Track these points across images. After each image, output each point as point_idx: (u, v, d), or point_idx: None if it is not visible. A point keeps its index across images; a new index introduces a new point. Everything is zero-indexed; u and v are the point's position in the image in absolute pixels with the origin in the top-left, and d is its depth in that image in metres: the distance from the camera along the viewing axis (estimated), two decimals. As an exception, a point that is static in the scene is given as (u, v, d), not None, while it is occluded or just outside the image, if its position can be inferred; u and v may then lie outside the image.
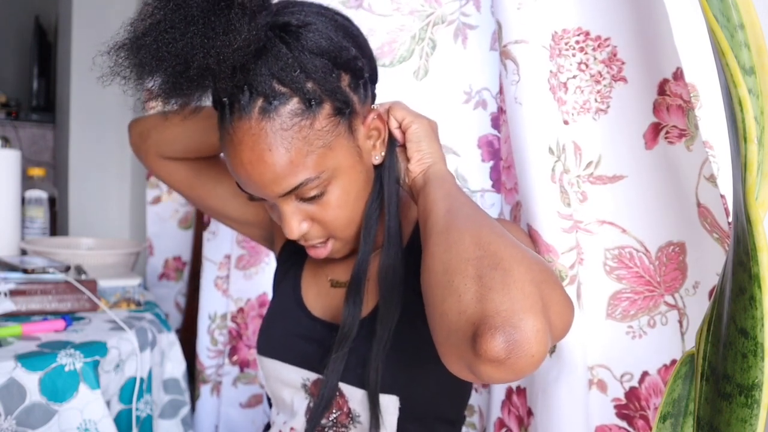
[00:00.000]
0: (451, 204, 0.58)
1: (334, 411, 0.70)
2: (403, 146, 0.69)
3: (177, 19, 0.54)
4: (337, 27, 0.62)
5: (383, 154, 0.68)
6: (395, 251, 0.67)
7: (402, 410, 0.66)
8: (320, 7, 0.64)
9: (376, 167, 0.69)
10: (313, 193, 0.63)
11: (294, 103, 0.59)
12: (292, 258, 0.83)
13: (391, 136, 0.69)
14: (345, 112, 0.62)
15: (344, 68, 0.62)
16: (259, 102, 0.58)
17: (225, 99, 0.60)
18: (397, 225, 0.68)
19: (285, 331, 0.76)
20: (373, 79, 0.69)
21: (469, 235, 0.52)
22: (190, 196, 0.89)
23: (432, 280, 0.52)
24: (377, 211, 0.68)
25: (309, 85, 0.59)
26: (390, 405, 0.66)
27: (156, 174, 0.89)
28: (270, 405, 0.81)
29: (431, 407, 0.70)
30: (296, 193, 0.62)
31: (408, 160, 0.68)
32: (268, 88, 0.58)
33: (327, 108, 0.61)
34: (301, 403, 0.73)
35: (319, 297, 0.77)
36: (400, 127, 0.69)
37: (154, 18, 0.54)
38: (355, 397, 0.68)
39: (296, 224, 0.65)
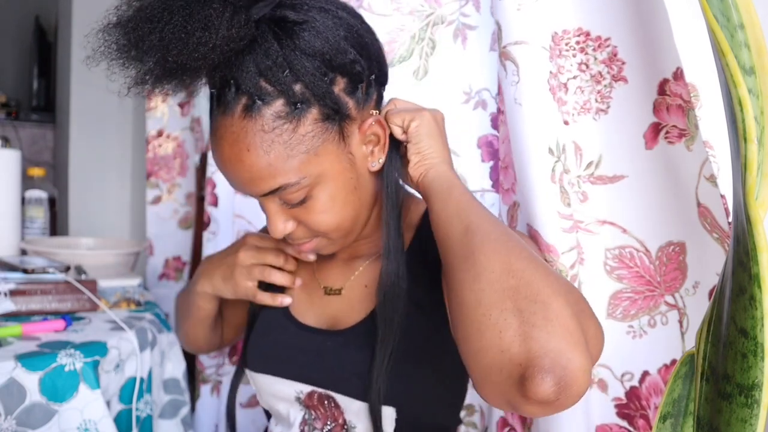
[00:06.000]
0: (469, 221, 0.55)
1: (328, 423, 0.68)
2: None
3: (158, 9, 0.52)
4: (339, 26, 0.59)
5: (381, 161, 0.65)
6: (396, 263, 0.65)
7: (398, 421, 0.65)
8: (327, 0, 0.60)
9: (378, 172, 0.67)
10: (295, 197, 0.61)
11: (279, 105, 0.57)
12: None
13: (392, 138, 0.66)
14: (335, 117, 0.60)
15: (340, 72, 0.59)
16: (243, 100, 0.57)
17: (213, 91, 0.60)
18: (398, 235, 0.66)
19: (274, 343, 0.74)
20: (381, 80, 0.66)
21: (499, 261, 0.49)
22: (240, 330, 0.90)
23: (465, 313, 0.49)
24: (386, 219, 0.66)
25: (297, 87, 0.57)
26: (387, 417, 0.64)
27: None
28: (268, 416, 0.79)
29: (427, 416, 0.68)
30: (277, 195, 0.61)
31: (406, 165, 0.65)
32: (253, 86, 0.56)
33: (314, 112, 0.58)
34: (296, 414, 0.71)
35: (312, 305, 0.75)
36: (404, 130, 0.65)
37: (140, 4, 0.54)
38: (350, 408, 0.66)
39: (281, 224, 0.63)
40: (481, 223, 0.55)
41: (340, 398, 0.67)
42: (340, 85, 0.60)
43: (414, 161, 0.64)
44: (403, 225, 0.71)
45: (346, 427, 0.67)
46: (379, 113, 0.66)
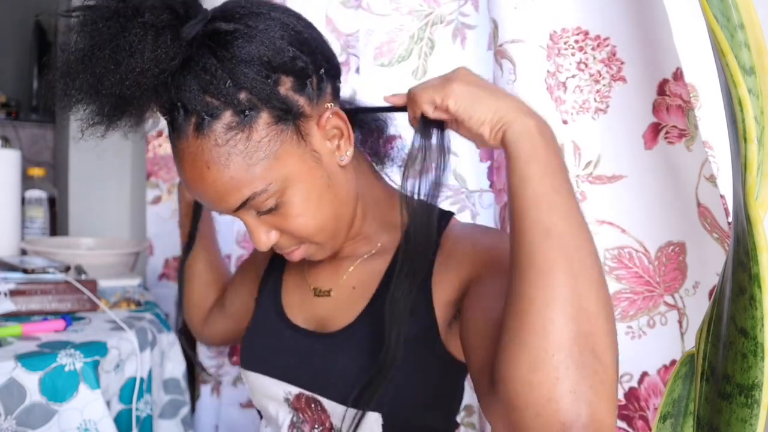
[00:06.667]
0: (550, 222, 0.48)
1: (316, 426, 0.68)
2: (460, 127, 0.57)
3: (87, 47, 0.53)
4: (272, 27, 0.58)
5: (350, 153, 0.63)
6: (408, 278, 0.59)
7: (385, 427, 0.63)
8: (258, 5, 0.60)
9: (353, 166, 0.65)
10: (267, 205, 0.60)
11: (227, 117, 0.57)
12: (271, 265, 0.82)
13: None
14: (287, 118, 0.58)
15: (282, 71, 0.58)
16: (193, 119, 0.57)
17: (166, 118, 0.60)
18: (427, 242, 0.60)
19: (267, 343, 0.74)
20: (333, 73, 0.64)
21: (580, 295, 0.45)
22: (241, 326, 0.89)
23: (522, 338, 0.45)
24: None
25: (242, 95, 0.56)
26: (373, 423, 0.63)
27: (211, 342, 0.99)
28: (261, 416, 0.79)
29: (417, 421, 0.66)
30: (249, 206, 0.60)
31: (479, 140, 0.56)
32: (199, 104, 0.56)
33: (265, 117, 0.57)
34: (285, 416, 0.70)
35: (303, 306, 0.74)
36: (441, 109, 0.56)
37: (76, 47, 0.54)
38: (336, 412, 0.65)
39: (263, 236, 0.63)
40: (567, 230, 0.48)
41: (326, 402, 0.66)
42: (286, 85, 0.59)
43: (486, 133, 0.54)
44: (388, 226, 0.70)
45: (333, 431, 0.66)
46: (337, 106, 0.64)
